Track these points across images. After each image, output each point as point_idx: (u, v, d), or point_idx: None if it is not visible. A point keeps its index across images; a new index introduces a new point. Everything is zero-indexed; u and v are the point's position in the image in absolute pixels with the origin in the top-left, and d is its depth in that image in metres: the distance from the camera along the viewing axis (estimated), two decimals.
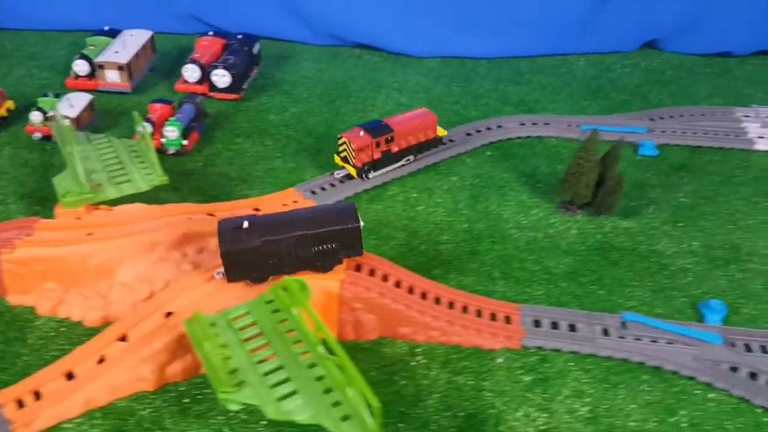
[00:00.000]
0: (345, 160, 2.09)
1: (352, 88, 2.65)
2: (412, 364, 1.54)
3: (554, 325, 1.61)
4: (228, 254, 1.51)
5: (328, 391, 1.25)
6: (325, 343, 1.30)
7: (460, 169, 2.21)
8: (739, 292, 1.72)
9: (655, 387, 1.48)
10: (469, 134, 2.34)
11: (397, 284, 1.61)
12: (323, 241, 1.54)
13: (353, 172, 2.07)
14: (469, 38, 2.88)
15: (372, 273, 1.60)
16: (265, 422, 1.40)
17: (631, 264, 1.82)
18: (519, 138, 2.35)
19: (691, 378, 1.49)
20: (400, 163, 2.13)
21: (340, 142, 2.08)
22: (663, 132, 2.34)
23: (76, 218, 1.74)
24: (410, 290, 1.62)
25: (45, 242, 1.64)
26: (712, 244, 1.88)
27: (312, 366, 1.30)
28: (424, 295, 1.63)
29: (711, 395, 1.47)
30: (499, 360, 1.55)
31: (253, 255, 1.52)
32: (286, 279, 1.44)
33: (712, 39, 2.82)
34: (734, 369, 1.50)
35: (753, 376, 1.49)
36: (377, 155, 2.06)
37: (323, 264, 1.57)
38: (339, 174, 2.10)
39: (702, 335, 1.56)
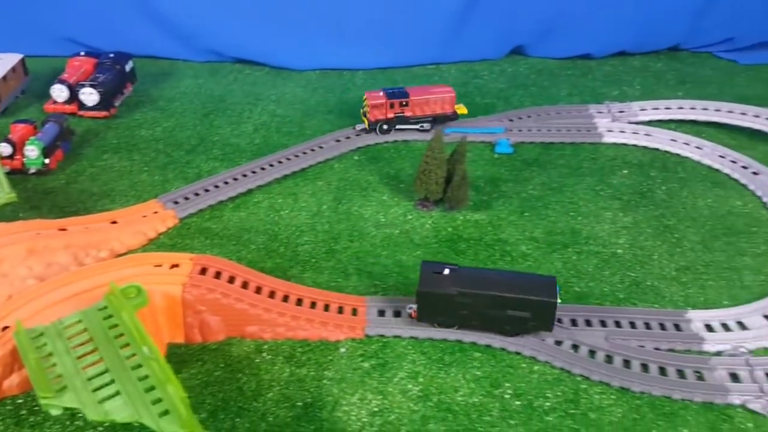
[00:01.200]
0: (364, 115, 2.41)
1: (229, 101, 2.70)
2: (257, 360, 1.58)
3: (397, 314, 1.69)
4: (422, 295, 1.59)
5: (150, 389, 1.28)
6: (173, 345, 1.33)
7: (328, 173, 2.28)
8: (573, 272, 1.85)
9: (484, 364, 1.58)
10: (338, 141, 2.42)
11: (244, 285, 1.66)
12: (516, 307, 1.56)
13: (367, 124, 2.40)
14: (347, 51, 2.99)
15: (218, 275, 1.64)
16: (102, 428, 1.41)
17: (477, 253, 1.92)
18: (386, 142, 2.45)
19: (517, 353, 1.59)
20: (414, 127, 2.41)
21: (363, 99, 2.40)
22: (520, 131, 2.48)
23: None
24: (258, 290, 1.67)
25: None
26: (554, 230, 2.01)
27: (137, 367, 1.33)
28: (272, 294, 1.68)
29: (535, 367, 1.57)
30: (342, 350, 1.61)
31: (445, 302, 1.58)
32: (114, 285, 1.47)
33: (573, 43, 3.03)
34: (558, 343, 1.61)
35: (575, 348, 1.60)
36: (390, 115, 2.38)
37: (511, 329, 1.59)
38: (358, 127, 2.42)
39: None
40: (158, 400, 1.26)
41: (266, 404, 1.48)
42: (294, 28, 2.96)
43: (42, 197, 2.09)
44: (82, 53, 2.73)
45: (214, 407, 1.47)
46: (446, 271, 1.59)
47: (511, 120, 2.56)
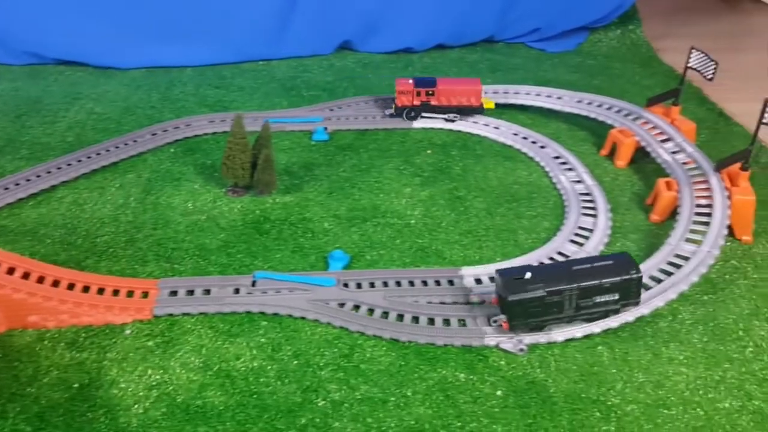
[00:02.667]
0: (394, 100, 2.55)
1: (46, 102, 2.64)
2: (37, 348, 1.57)
3: (190, 293, 1.73)
4: (513, 304, 1.57)
5: None
6: None
7: (140, 166, 2.28)
8: (367, 242, 1.97)
9: (269, 330, 1.65)
10: (154, 134, 2.43)
11: (25, 275, 1.64)
12: (605, 292, 1.58)
13: (394, 109, 2.53)
14: (175, 49, 3.00)
15: None
16: None
17: (280, 232, 2.00)
18: (206, 134, 2.49)
19: (302, 318, 1.68)
20: (442, 116, 2.50)
21: None
22: (338, 119, 2.60)
23: None
24: (40, 280, 1.65)
25: None
26: (356, 207, 2.13)
27: None
28: (56, 283, 1.67)
29: (318, 329, 1.66)
30: (128, 332, 1.63)
31: (536, 304, 1.58)
32: None
33: (395, 38, 3.20)
34: (342, 305, 1.72)
35: (356, 308, 1.71)
36: (417, 102, 2.50)
37: (600, 314, 1.62)
38: (387, 112, 2.55)
39: (319, 281, 1.77)
40: None
41: (41, 388, 1.47)
42: (118, 27, 2.93)
43: None
44: None
45: None
46: (528, 275, 1.59)
47: (331, 110, 2.67)
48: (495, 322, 1.63)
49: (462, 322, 1.67)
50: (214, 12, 3.00)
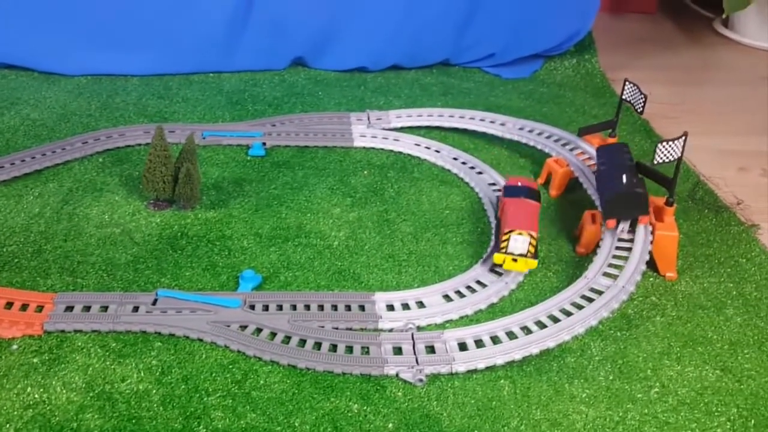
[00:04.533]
0: None
1: None
2: None
3: (87, 309, 1.67)
4: (644, 195, 1.88)
5: None
6: None
7: (64, 175, 2.23)
8: (285, 263, 1.92)
9: (162, 352, 1.59)
10: (85, 142, 2.38)
11: None
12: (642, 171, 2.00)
13: None
14: (125, 57, 2.95)
15: None
16: None
17: (196, 249, 1.95)
18: (139, 145, 2.44)
19: (200, 340, 1.63)
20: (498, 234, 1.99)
21: None
22: (279, 135, 2.56)
23: None
24: None
25: None
26: (280, 226, 2.08)
27: None
28: None
29: (213, 353, 1.60)
30: (15, 347, 1.57)
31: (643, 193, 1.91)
32: None
33: (350, 56, 3.16)
34: (243, 327, 1.66)
35: (259, 331, 1.66)
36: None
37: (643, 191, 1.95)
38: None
39: (223, 301, 1.71)
40: None
41: None
42: (66, 33, 2.87)
43: None
44: None
45: None
46: (624, 177, 1.91)
47: (273, 125, 2.64)
48: (627, 231, 1.91)
49: (365, 350, 1.63)
50: (165, 21, 2.96)
